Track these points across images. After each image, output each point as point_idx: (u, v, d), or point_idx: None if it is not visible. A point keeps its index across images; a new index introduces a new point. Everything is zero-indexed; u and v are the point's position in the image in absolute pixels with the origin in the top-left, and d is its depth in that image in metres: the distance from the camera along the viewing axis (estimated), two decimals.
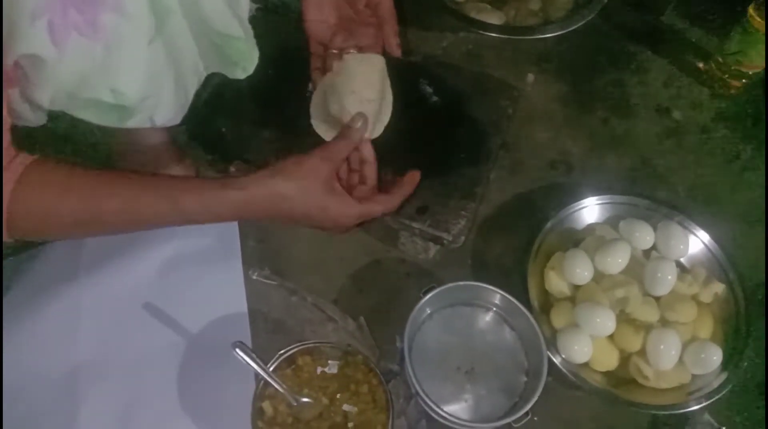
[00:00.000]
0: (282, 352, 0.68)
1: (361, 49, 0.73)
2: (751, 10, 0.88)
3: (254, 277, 0.80)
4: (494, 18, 0.99)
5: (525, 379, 0.71)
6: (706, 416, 0.72)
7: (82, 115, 0.58)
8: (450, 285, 0.72)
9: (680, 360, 0.72)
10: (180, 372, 0.74)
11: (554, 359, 0.71)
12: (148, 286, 0.78)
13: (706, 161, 0.94)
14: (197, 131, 0.83)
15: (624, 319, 0.74)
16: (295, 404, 0.66)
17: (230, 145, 0.82)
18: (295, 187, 0.61)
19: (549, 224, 0.80)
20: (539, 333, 0.70)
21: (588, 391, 0.70)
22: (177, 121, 0.66)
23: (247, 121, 0.84)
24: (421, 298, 0.71)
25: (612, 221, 0.82)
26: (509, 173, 0.90)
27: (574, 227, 0.82)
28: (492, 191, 0.87)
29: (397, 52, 0.74)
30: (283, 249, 0.83)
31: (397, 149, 0.80)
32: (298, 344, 0.69)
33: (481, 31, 0.96)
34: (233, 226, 0.83)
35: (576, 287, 0.77)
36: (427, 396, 0.66)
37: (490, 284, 0.72)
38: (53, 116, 0.60)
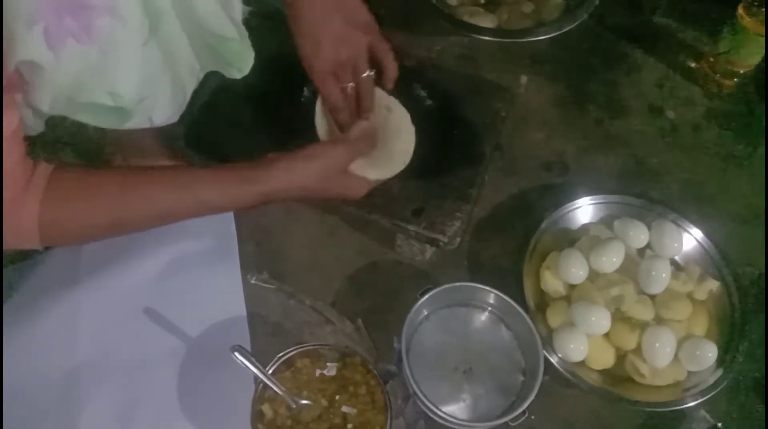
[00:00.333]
0: (281, 355, 0.68)
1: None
2: (740, 10, 0.89)
3: (252, 282, 0.80)
4: (487, 21, 1.00)
5: (522, 378, 0.72)
6: (702, 412, 0.72)
7: (82, 118, 0.59)
8: (446, 286, 0.72)
9: (675, 357, 0.73)
10: (179, 376, 0.75)
11: (550, 358, 0.71)
12: (148, 291, 0.79)
13: (699, 160, 0.94)
14: (194, 136, 0.84)
15: (619, 317, 0.75)
16: (294, 406, 0.67)
17: (227, 149, 0.83)
18: (315, 176, 0.62)
19: (544, 224, 0.81)
20: (535, 332, 0.70)
21: (584, 390, 0.71)
22: (175, 119, 0.67)
23: (244, 124, 0.85)
24: (417, 300, 0.71)
25: (606, 221, 0.83)
26: (504, 174, 0.91)
27: (568, 227, 0.83)
28: (487, 192, 0.88)
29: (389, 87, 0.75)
30: (281, 252, 0.84)
31: None
32: (297, 347, 0.69)
33: (474, 35, 0.97)
34: (231, 231, 0.84)
35: (571, 286, 0.78)
36: (424, 396, 0.67)
37: (487, 285, 0.73)
38: (52, 124, 0.61)
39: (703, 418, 0.72)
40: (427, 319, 0.75)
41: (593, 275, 0.77)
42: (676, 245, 0.80)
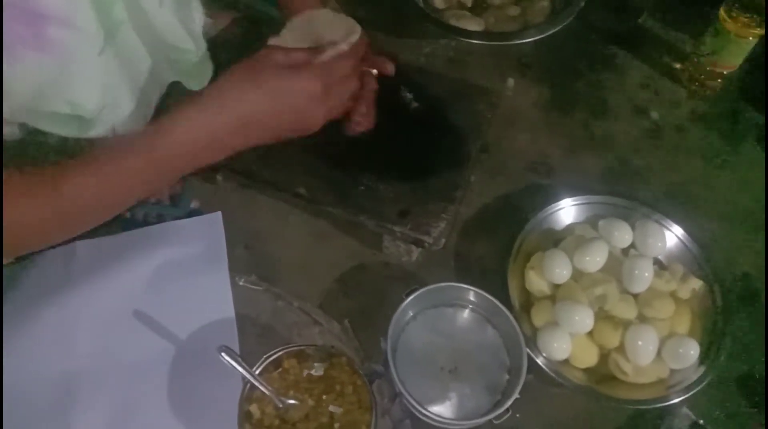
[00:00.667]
0: (268, 355, 0.69)
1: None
2: (722, 12, 0.90)
3: (241, 283, 0.81)
4: (474, 25, 1.01)
5: (507, 377, 0.73)
6: (685, 410, 0.73)
7: (44, 127, 0.59)
8: (431, 286, 0.73)
9: (658, 355, 0.74)
10: (170, 377, 0.75)
11: (535, 357, 0.72)
12: (137, 293, 0.80)
13: (683, 160, 0.96)
14: None
15: (603, 316, 0.76)
16: (282, 406, 0.68)
17: None
18: (241, 75, 0.59)
19: (529, 225, 0.82)
20: (519, 332, 0.71)
21: (569, 388, 0.72)
22: (140, 128, 0.67)
23: None
24: (403, 300, 0.72)
25: (591, 221, 0.84)
26: (490, 176, 0.92)
27: (554, 227, 0.84)
28: (473, 194, 0.89)
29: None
30: (270, 254, 0.85)
31: (378, 154, 0.82)
32: (284, 347, 0.70)
33: (461, 38, 0.98)
34: (221, 234, 0.85)
35: (556, 286, 0.79)
36: (410, 395, 0.67)
37: (473, 285, 0.74)
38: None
39: (685, 415, 0.73)
40: (413, 319, 0.76)
41: (577, 275, 0.78)
42: (659, 245, 0.81)
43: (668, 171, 0.94)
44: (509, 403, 0.67)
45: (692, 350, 0.73)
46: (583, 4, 1.00)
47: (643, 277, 0.76)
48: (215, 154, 0.62)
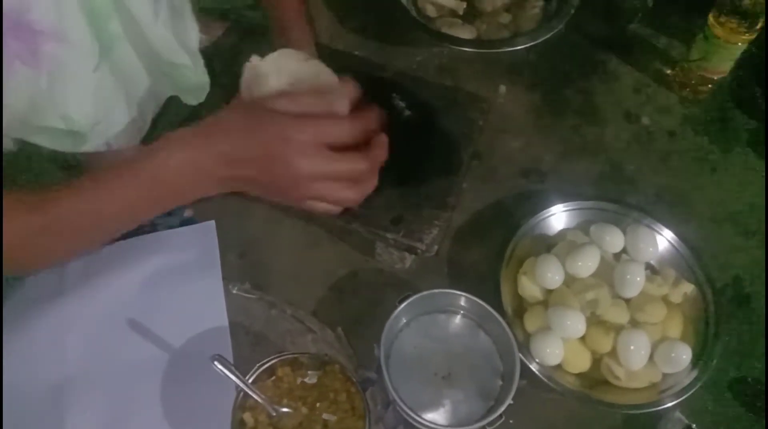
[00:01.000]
0: (261, 363, 0.69)
1: None
2: (711, 18, 0.91)
3: (234, 292, 0.81)
4: (465, 32, 1.01)
5: (500, 382, 0.73)
6: (677, 414, 0.73)
7: (37, 141, 0.59)
8: (424, 293, 0.74)
9: (651, 359, 0.74)
10: (163, 385, 0.75)
11: (528, 362, 0.72)
12: (131, 302, 0.80)
13: (674, 165, 0.96)
14: None
15: (595, 321, 0.76)
16: (275, 414, 0.68)
17: None
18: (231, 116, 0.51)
19: (521, 231, 0.82)
20: (511, 337, 0.71)
21: (562, 393, 0.72)
22: (136, 142, 0.67)
23: None
24: (397, 307, 0.72)
25: (583, 226, 0.85)
26: (482, 182, 0.92)
27: (546, 233, 0.84)
28: (466, 200, 0.90)
29: None
30: (263, 262, 0.85)
31: None
32: (277, 355, 0.70)
33: (452, 46, 0.98)
34: (214, 243, 0.85)
35: (548, 291, 0.79)
36: (403, 402, 0.68)
37: (466, 291, 0.74)
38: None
39: (678, 419, 0.73)
40: (407, 325, 0.76)
41: (569, 280, 0.78)
42: (651, 249, 0.81)
43: (659, 176, 0.95)
44: (502, 408, 0.68)
45: (684, 354, 0.73)
46: (573, 11, 1.00)
47: (635, 281, 0.77)
48: (203, 188, 0.55)
